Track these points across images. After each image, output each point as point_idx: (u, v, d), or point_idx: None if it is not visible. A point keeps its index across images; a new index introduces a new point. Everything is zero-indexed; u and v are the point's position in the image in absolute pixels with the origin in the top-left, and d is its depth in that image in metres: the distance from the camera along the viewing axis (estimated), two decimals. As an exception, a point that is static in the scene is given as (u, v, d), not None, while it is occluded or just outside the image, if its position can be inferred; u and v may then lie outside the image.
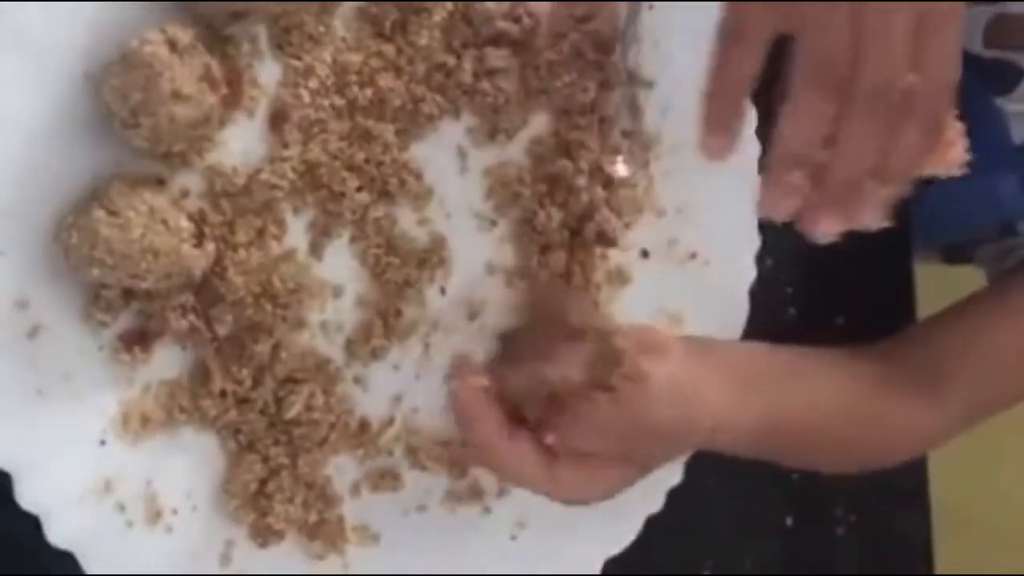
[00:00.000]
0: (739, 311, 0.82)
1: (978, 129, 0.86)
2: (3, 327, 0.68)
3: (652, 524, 0.80)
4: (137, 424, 0.71)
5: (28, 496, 0.68)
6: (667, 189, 0.82)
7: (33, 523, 0.69)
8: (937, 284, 0.92)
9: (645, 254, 0.82)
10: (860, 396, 0.79)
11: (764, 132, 0.80)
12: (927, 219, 0.92)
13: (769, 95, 0.80)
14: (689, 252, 0.82)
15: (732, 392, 0.76)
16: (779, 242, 0.84)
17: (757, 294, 0.81)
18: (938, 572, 0.90)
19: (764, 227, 0.81)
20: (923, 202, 0.87)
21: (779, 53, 0.70)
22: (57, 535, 0.69)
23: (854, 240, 0.89)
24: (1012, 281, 0.84)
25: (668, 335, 0.77)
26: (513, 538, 0.80)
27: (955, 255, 0.96)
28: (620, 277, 0.81)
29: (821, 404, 0.78)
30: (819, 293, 0.88)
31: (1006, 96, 0.87)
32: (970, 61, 0.87)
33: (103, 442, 0.71)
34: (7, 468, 0.68)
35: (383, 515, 0.77)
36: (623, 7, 0.79)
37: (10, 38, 0.68)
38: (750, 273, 0.82)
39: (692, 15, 0.80)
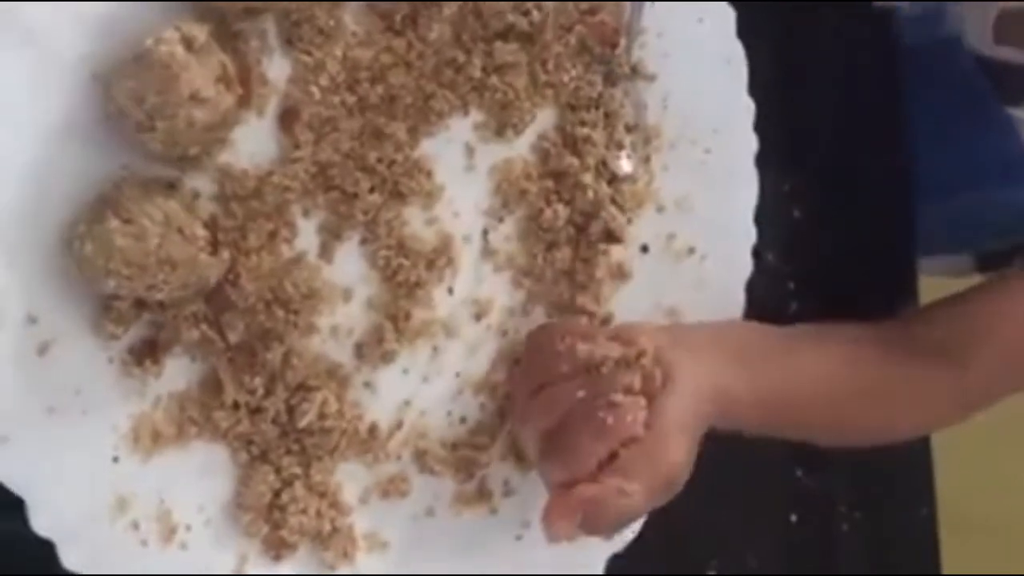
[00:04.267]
0: (735, 305, 0.82)
1: (992, 141, 0.87)
2: (13, 342, 0.64)
3: (655, 522, 0.79)
4: (149, 440, 0.68)
5: (43, 521, 0.65)
6: (666, 184, 0.81)
7: (44, 547, 0.66)
8: (938, 279, 0.93)
9: (645, 249, 0.81)
10: (862, 369, 0.79)
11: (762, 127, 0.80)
12: (955, 232, 0.93)
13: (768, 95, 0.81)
14: (687, 247, 0.82)
15: (723, 364, 0.75)
16: (781, 237, 0.85)
17: (759, 289, 0.81)
18: (944, 569, 0.92)
19: (764, 223, 0.81)
20: (949, 217, 0.88)
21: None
22: (71, 560, 0.66)
23: (856, 235, 0.90)
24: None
25: (644, 327, 0.76)
26: (518, 538, 0.79)
27: (991, 262, 0.95)
28: (620, 272, 0.81)
29: (820, 377, 0.79)
30: (821, 288, 0.89)
31: (1018, 105, 0.87)
32: (983, 66, 0.87)
33: (115, 459, 0.68)
34: (20, 492, 0.65)
35: (392, 521, 0.76)
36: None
37: (16, 40, 0.63)
38: (746, 268, 0.82)
39: (694, 6, 0.79)
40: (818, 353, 0.80)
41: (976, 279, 0.93)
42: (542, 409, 0.69)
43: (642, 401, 0.68)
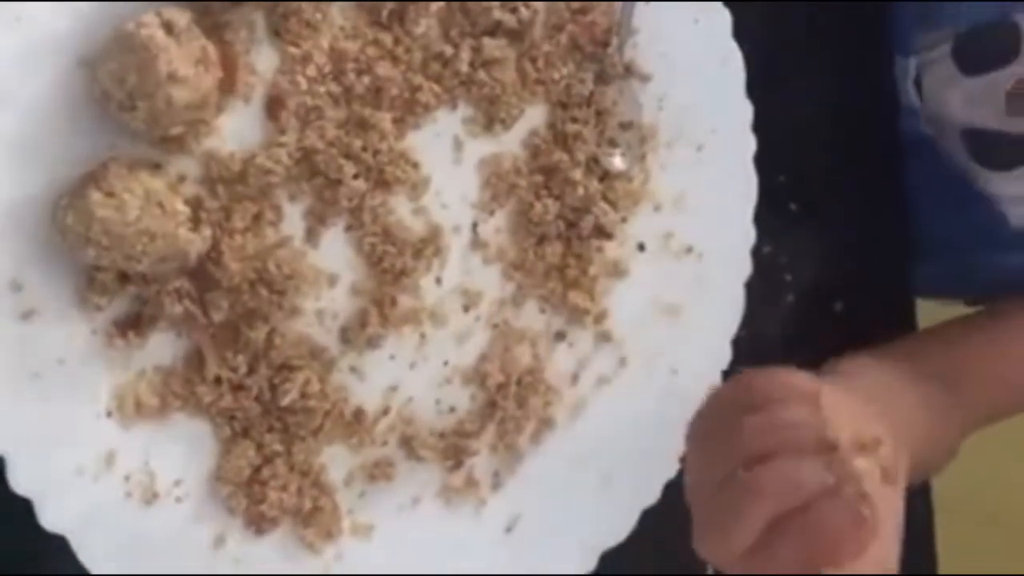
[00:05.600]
0: (735, 305, 0.82)
1: (974, 215, 0.86)
2: (-2, 308, 0.68)
3: (649, 517, 0.79)
4: (131, 409, 0.71)
5: (22, 479, 0.68)
6: (663, 183, 0.82)
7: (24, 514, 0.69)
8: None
9: (642, 247, 0.82)
10: (927, 410, 0.77)
11: (759, 120, 0.80)
12: (937, 288, 0.92)
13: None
14: (685, 246, 0.82)
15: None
16: (778, 229, 0.85)
17: (756, 281, 0.81)
18: (940, 558, 0.89)
19: (760, 216, 0.81)
20: (929, 278, 0.88)
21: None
22: (50, 519, 0.68)
23: (852, 228, 0.90)
24: (1013, 302, 0.84)
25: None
26: (508, 531, 0.79)
27: (974, 304, 0.95)
28: (617, 270, 0.81)
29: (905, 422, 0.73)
30: (818, 280, 0.88)
31: (1008, 172, 0.86)
32: (976, 139, 0.86)
33: (97, 426, 0.70)
34: (1, 451, 0.68)
35: (377, 506, 0.77)
36: (619, -1, 0.80)
37: (8, 21, 0.68)
38: (746, 267, 0.82)
39: (689, 7, 0.81)
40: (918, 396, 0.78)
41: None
42: (780, 486, 0.58)
43: (890, 493, 0.60)
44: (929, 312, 0.91)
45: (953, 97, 0.87)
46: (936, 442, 0.77)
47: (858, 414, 0.63)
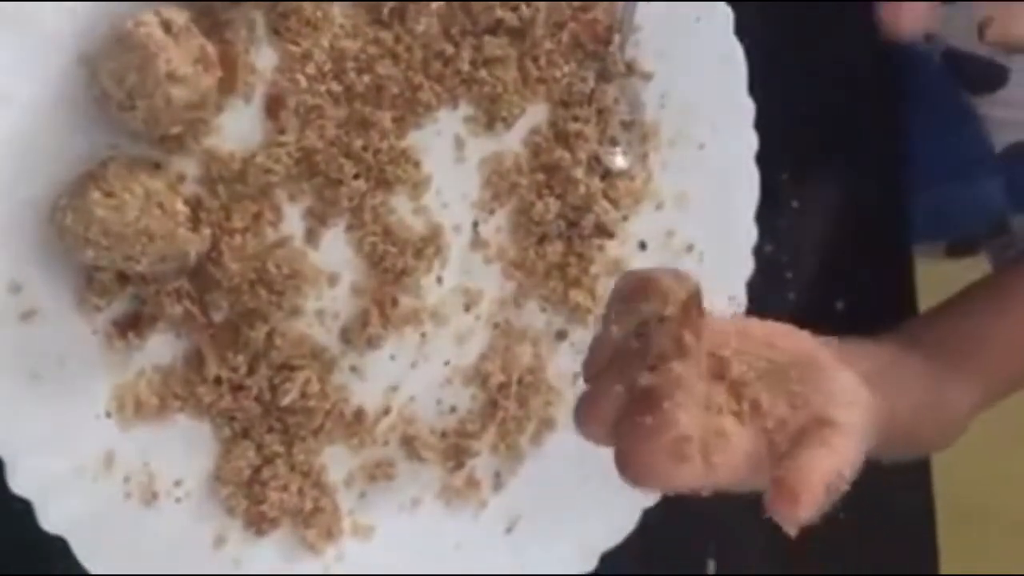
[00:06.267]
0: (737, 303, 0.82)
1: (960, 138, 0.86)
2: (-4, 307, 0.67)
3: (649, 517, 0.79)
4: (131, 410, 0.71)
5: (21, 480, 0.67)
6: (665, 181, 0.82)
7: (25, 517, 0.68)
8: (936, 268, 0.92)
9: (643, 246, 0.82)
10: (928, 384, 0.76)
11: (761, 118, 0.80)
12: (922, 223, 0.92)
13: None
14: (686, 244, 0.82)
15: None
16: (779, 228, 0.85)
17: (757, 279, 0.81)
18: (943, 556, 0.90)
19: (762, 213, 0.81)
20: (917, 208, 0.88)
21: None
22: (50, 521, 0.68)
23: (853, 225, 0.90)
24: (1014, 271, 0.84)
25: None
26: (509, 531, 0.79)
27: (957, 252, 0.95)
28: (618, 269, 0.81)
29: (904, 394, 0.72)
30: (819, 278, 0.88)
31: (991, 95, 0.86)
32: (956, 61, 0.86)
33: (97, 427, 0.70)
34: (0, 451, 0.67)
35: (379, 507, 0.77)
36: (621, -3, 0.80)
37: (8, 21, 0.67)
38: (747, 266, 0.82)
39: (691, 5, 0.80)
40: (902, 372, 0.74)
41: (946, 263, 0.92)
42: (583, 415, 0.57)
43: (676, 369, 0.53)
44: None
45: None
46: (928, 409, 0.76)
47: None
